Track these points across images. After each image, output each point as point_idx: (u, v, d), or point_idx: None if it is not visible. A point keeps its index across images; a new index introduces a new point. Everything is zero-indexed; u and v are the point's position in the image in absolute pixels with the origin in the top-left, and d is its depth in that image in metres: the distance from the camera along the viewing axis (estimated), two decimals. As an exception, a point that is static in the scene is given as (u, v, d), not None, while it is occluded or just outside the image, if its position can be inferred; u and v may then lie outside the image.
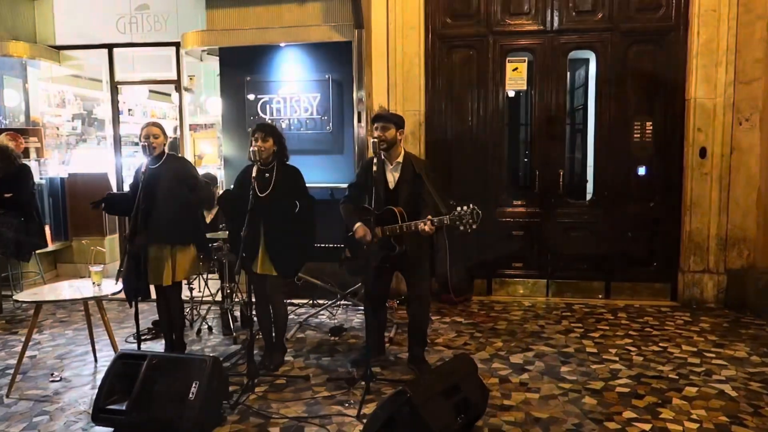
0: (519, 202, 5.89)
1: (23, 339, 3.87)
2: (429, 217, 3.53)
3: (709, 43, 5.26)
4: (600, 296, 5.73)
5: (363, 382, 3.54)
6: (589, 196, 6.06)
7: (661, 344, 4.43)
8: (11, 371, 3.83)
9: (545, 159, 5.77)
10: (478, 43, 5.72)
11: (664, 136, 5.56)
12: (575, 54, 5.91)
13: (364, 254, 3.71)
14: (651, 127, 5.58)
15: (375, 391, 3.56)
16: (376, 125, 3.76)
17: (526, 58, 5.70)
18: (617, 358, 4.14)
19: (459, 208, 3.44)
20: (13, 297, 4.06)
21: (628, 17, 5.49)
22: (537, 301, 5.69)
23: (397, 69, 5.63)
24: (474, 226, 3.44)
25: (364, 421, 3.06)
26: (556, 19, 5.59)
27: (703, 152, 5.37)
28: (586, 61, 6.80)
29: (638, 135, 5.62)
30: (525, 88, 5.82)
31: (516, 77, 5.69)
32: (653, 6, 5.45)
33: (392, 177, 3.81)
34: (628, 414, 3.28)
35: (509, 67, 5.69)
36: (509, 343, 4.51)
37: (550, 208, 5.77)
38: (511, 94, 5.93)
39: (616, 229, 5.67)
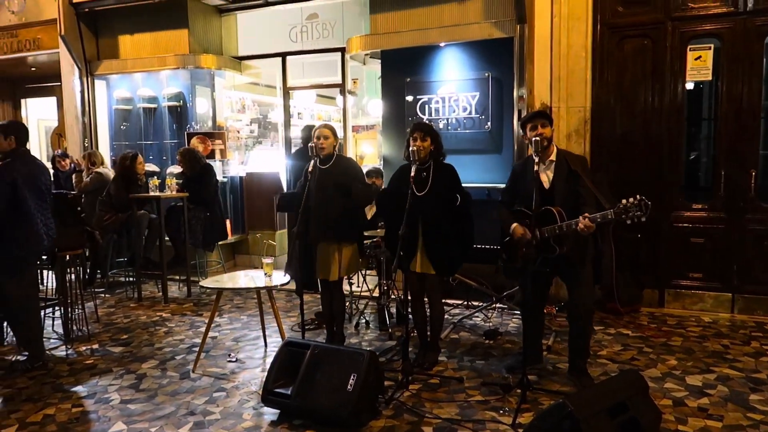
0: (698, 206, 5.30)
1: (207, 321, 4.31)
2: (587, 214, 3.30)
3: None
4: (800, 316, 4.96)
5: (519, 390, 3.41)
6: (788, 200, 5.26)
7: None
8: (197, 349, 4.29)
9: (733, 158, 5.11)
10: (654, 31, 5.24)
11: None
12: (773, 37, 5.17)
13: (522, 257, 3.58)
14: None
15: (531, 400, 3.42)
16: (532, 124, 3.61)
17: (712, 45, 5.10)
18: (824, 391, 3.54)
19: (624, 201, 3.19)
20: (200, 283, 4.54)
21: None
22: (719, 318, 5.07)
23: (561, 63, 5.34)
24: (643, 219, 3.17)
25: (520, 430, 2.95)
26: (750, -2, 4.93)
27: None
28: (788, 44, 5.91)
29: None
30: (709, 78, 5.21)
31: (699, 66, 5.12)
32: None
33: (546, 177, 3.63)
34: (839, 458, 2.78)
35: (691, 55, 5.14)
36: (685, 362, 4.06)
37: (737, 213, 5.11)
38: (689, 86, 5.35)
39: (825, 238, 4.86)
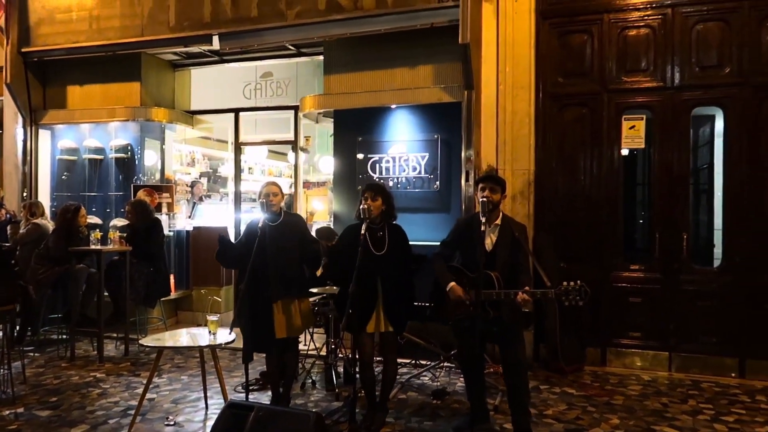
0: (636, 267, 5.53)
1: (144, 381, 4.12)
2: (528, 288, 3.42)
3: None
4: (733, 375, 5.14)
5: (466, 452, 3.38)
6: (717, 262, 5.56)
7: (812, 436, 3.86)
8: (132, 412, 4.07)
9: (666, 221, 5.40)
10: (592, 101, 5.58)
11: (806, 198, 5.03)
12: (699, 110, 5.59)
13: (456, 313, 3.66)
14: (790, 189, 5.07)
15: (479, 462, 3.38)
16: (483, 185, 3.73)
17: (644, 116, 5.47)
18: (757, 449, 3.66)
19: (566, 284, 3.32)
20: (139, 341, 4.36)
21: (760, 71, 5.12)
22: (658, 376, 5.21)
23: (506, 128, 5.60)
24: (580, 304, 3.30)
25: (467, 495, 2.90)
26: (677, 75, 5.34)
27: None
28: (711, 117, 6.40)
29: (775, 197, 5.12)
30: (643, 146, 5.55)
31: (633, 135, 5.46)
32: (790, 59, 5.06)
33: (490, 239, 3.74)
34: None
35: (625, 125, 5.48)
36: (627, 420, 4.13)
37: (672, 274, 5.35)
38: (625, 152, 5.69)
39: (752, 299, 5.12)
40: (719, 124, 5.81)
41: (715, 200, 6.07)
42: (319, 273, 5.34)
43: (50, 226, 6.39)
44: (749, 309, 5.12)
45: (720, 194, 5.56)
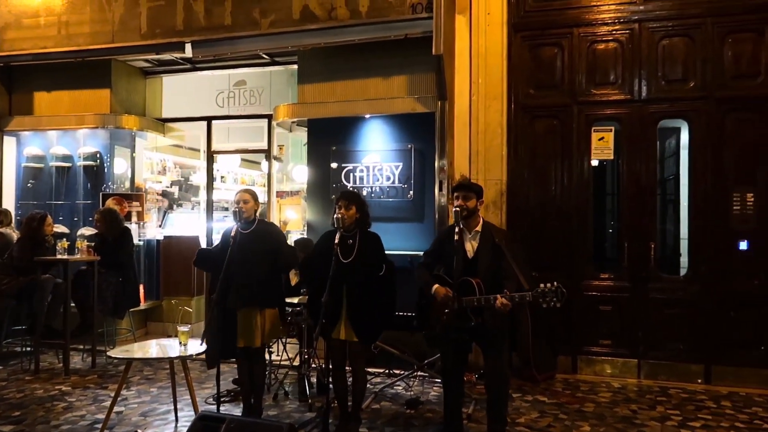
0: (606, 275, 5.63)
1: (112, 394, 4.02)
2: (506, 291, 3.44)
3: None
4: (699, 381, 5.25)
5: (440, 461, 3.38)
6: (683, 271, 5.69)
7: (774, 440, 3.96)
8: (99, 426, 3.97)
9: (634, 231, 5.51)
10: (562, 113, 5.68)
11: (768, 208, 5.20)
12: (665, 123, 5.73)
13: (440, 324, 3.65)
14: (752, 199, 5.24)
15: (452, 471, 3.38)
16: (457, 194, 3.77)
17: (613, 128, 5.59)
18: (723, 453, 3.74)
19: (543, 285, 3.36)
20: (107, 353, 4.27)
21: (723, 85, 5.29)
22: (627, 383, 5.30)
23: (479, 138, 5.67)
24: (558, 305, 3.33)
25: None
26: (644, 88, 5.48)
27: (814, 226, 4.95)
28: (677, 130, 6.57)
29: (738, 207, 5.28)
30: (612, 157, 5.67)
31: (602, 146, 5.57)
32: (751, 74, 5.23)
33: (471, 246, 3.77)
34: None
35: (595, 136, 5.59)
36: (598, 427, 4.18)
37: (640, 283, 5.45)
38: (595, 163, 5.80)
39: (717, 307, 5.25)
40: (684, 137, 5.96)
41: (681, 210, 6.22)
42: (294, 282, 5.32)
43: (15, 235, 6.23)
44: (715, 316, 5.25)
45: (686, 204, 5.71)
